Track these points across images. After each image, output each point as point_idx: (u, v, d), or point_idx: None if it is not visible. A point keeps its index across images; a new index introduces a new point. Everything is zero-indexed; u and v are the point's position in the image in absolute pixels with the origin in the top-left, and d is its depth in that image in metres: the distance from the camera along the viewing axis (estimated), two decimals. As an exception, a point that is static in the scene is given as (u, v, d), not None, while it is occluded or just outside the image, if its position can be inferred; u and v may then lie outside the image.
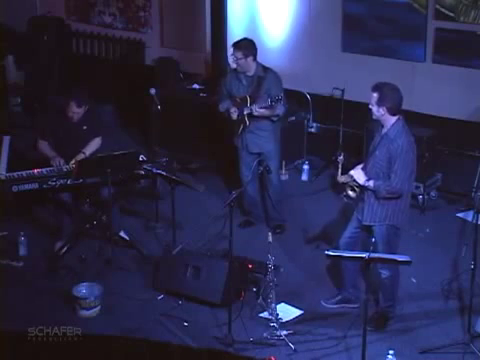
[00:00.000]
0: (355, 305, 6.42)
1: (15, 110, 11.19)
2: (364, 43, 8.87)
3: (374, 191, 5.95)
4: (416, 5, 8.40)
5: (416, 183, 7.76)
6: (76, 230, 7.33)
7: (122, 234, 7.42)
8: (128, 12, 10.87)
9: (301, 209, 8.30)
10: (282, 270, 6.71)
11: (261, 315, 6.35)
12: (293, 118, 9.20)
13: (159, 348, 5.97)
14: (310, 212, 8.24)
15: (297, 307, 6.47)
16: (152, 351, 5.94)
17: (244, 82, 7.50)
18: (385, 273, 6.12)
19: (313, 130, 9.51)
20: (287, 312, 6.39)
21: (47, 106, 10.06)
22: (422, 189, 8.15)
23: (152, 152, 8.04)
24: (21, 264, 7.16)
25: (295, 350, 5.92)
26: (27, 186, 6.99)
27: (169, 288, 6.64)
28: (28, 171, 7.10)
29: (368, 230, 6.15)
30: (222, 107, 7.63)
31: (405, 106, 6.01)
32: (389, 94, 5.85)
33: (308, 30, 9.24)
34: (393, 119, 5.90)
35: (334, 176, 6.65)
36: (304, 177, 9.11)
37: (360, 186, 6.02)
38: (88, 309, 6.36)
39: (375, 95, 5.87)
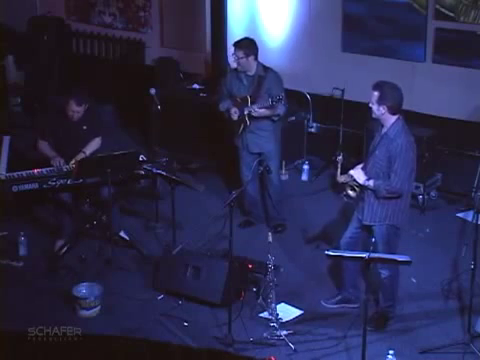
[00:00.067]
0: (355, 305, 6.42)
1: (15, 110, 11.19)
2: (364, 43, 8.87)
3: (374, 191, 5.95)
4: (416, 5, 8.40)
5: (416, 183, 7.76)
6: (76, 230, 7.33)
7: (122, 234, 7.42)
8: (128, 12, 10.87)
9: (301, 209, 8.30)
10: (282, 270, 6.70)
11: (261, 315, 6.35)
12: (293, 118, 9.20)
13: (159, 348, 5.97)
14: (310, 212, 8.24)
15: (297, 307, 6.47)
16: (152, 351, 5.94)
17: (245, 82, 7.50)
18: (385, 273, 6.12)
19: (313, 130, 9.51)
20: (287, 312, 6.39)
21: (47, 106, 10.06)
22: (422, 189, 8.15)
23: (152, 152, 8.04)
24: (21, 264, 7.16)
25: (295, 350, 5.92)
26: (27, 186, 6.99)
27: (169, 288, 6.64)
28: (28, 171, 7.10)
29: (368, 230, 6.15)
30: (222, 107, 7.62)
31: (405, 106, 6.01)
32: (390, 93, 5.85)
33: (308, 30, 9.24)
34: (393, 118, 5.90)
35: (334, 176, 6.64)
36: (304, 177, 9.11)
37: (360, 186, 6.02)
38: (88, 309, 6.36)
39: (376, 94, 5.86)
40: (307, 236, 7.66)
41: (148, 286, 6.79)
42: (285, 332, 6.08)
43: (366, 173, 6.00)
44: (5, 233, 7.57)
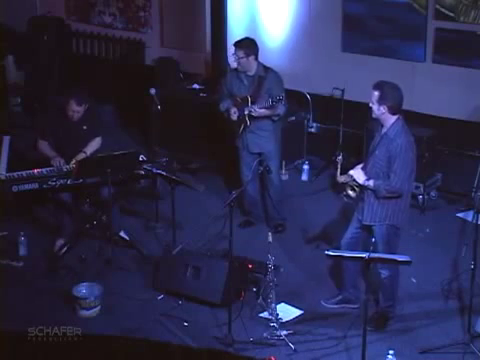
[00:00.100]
0: (355, 306, 6.42)
1: (15, 110, 11.19)
2: (364, 43, 8.87)
3: (374, 191, 5.95)
4: (416, 5, 8.40)
5: (416, 183, 7.76)
6: (76, 230, 7.33)
7: (122, 234, 7.42)
8: (128, 12, 10.87)
9: (301, 209, 8.30)
10: (282, 270, 6.70)
11: (261, 315, 6.35)
12: (293, 118, 9.20)
13: (159, 348, 5.97)
14: (310, 212, 8.24)
15: (297, 307, 6.47)
16: (152, 351, 5.94)
17: (245, 82, 7.50)
18: (385, 273, 6.12)
19: (313, 130, 9.51)
20: (287, 312, 6.39)
21: (47, 106, 10.06)
22: (422, 189, 8.15)
23: (152, 152, 8.04)
24: (21, 264, 7.16)
25: (295, 350, 5.92)
26: (27, 186, 7.00)
27: (169, 288, 6.64)
28: (28, 171, 7.10)
29: (369, 230, 6.15)
30: (222, 106, 7.63)
31: (405, 106, 6.01)
32: (390, 93, 5.85)
33: (308, 30, 9.24)
34: (393, 118, 5.89)
35: (334, 176, 6.63)
36: (304, 177, 9.11)
37: (360, 186, 6.02)
38: (88, 309, 6.36)
39: (376, 93, 5.86)
40: (307, 236, 7.66)
41: (148, 286, 6.79)
42: (285, 332, 6.08)
43: (366, 173, 6.00)
44: (5, 233, 7.57)
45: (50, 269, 7.00)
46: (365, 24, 8.80)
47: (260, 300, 6.45)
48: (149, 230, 7.82)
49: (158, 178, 7.65)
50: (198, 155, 9.22)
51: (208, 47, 9.82)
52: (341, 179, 6.10)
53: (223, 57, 9.47)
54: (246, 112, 7.39)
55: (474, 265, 5.90)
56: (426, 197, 8.22)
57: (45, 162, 7.25)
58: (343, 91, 8.93)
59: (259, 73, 7.45)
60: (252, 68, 7.45)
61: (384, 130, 5.94)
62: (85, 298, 6.35)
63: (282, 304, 6.43)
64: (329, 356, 5.89)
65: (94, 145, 7.42)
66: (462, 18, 8.17)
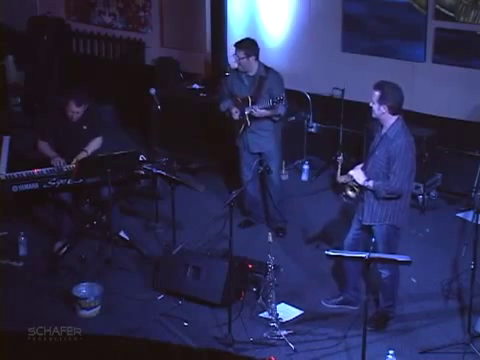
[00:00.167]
0: (355, 307, 6.41)
1: (15, 110, 11.19)
2: (364, 43, 8.87)
3: (374, 191, 5.95)
4: (416, 5, 8.40)
5: (416, 183, 7.76)
6: (76, 230, 7.33)
7: (122, 234, 7.42)
8: (128, 12, 10.87)
9: (301, 209, 8.30)
10: (282, 270, 6.70)
11: (261, 315, 6.35)
12: (293, 118, 9.20)
13: (159, 348, 5.97)
14: (310, 212, 8.24)
15: (297, 307, 6.47)
16: (152, 351, 5.94)
17: (246, 82, 7.50)
18: (385, 273, 6.12)
19: (313, 130, 9.51)
20: (287, 312, 6.38)
21: (47, 106, 10.06)
22: (422, 189, 8.15)
23: (152, 152, 8.04)
24: (21, 264, 7.16)
25: (295, 350, 5.92)
26: (27, 186, 7.00)
27: (169, 288, 6.64)
28: (28, 171, 7.10)
29: (369, 230, 6.14)
30: (223, 106, 7.62)
31: (405, 106, 6.00)
32: (391, 93, 5.85)
33: (308, 30, 9.24)
34: (393, 119, 5.89)
35: (334, 176, 6.63)
36: (304, 177, 9.12)
37: (360, 186, 6.02)
38: (88, 309, 6.36)
39: (377, 93, 5.86)
40: (307, 236, 7.66)
41: (148, 286, 6.79)
42: (285, 332, 6.08)
43: (366, 173, 6.00)
44: (5, 233, 7.57)
45: (50, 269, 7.00)
46: (365, 24, 8.80)
47: (260, 300, 6.45)
48: (149, 230, 7.82)
49: (158, 178, 7.65)
50: (198, 155, 9.22)
51: (208, 47, 9.83)
52: (341, 179, 6.10)
53: (223, 57, 9.47)
54: (247, 112, 7.39)
55: (474, 265, 5.90)
56: (426, 197, 8.22)
57: (45, 162, 7.25)
58: (343, 91, 8.93)
59: (260, 73, 7.44)
60: (253, 68, 7.45)
61: (384, 130, 5.94)
62: (85, 298, 6.35)
63: (282, 304, 6.43)
64: (329, 356, 5.89)
65: (95, 144, 7.41)
66: (462, 18, 8.17)
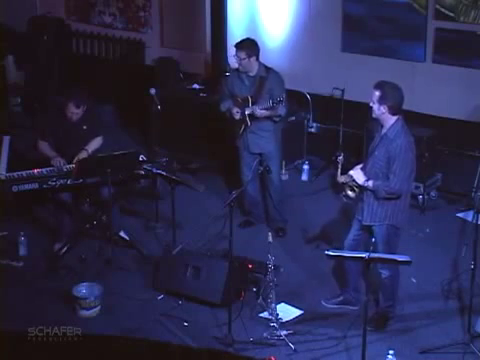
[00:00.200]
0: (355, 308, 6.40)
1: (15, 110, 11.19)
2: (364, 43, 8.87)
3: (373, 191, 5.95)
4: (416, 5, 8.40)
5: (416, 183, 7.77)
6: (76, 230, 7.33)
7: (122, 234, 7.42)
8: (128, 12, 10.87)
9: (301, 209, 8.29)
10: (282, 270, 6.70)
11: (261, 315, 6.35)
12: (293, 118, 9.20)
13: (159, 348, 5.97)
14: (310, 212, 8.23)
15: (297, 307, 6.47)
16: (152, 351, 5.94)
17: (246, 82, 7.49)
18: (385, 273, 6.12)
19: (313, 130, 9.51)
20: (287, 312, 6.38)
21: (47, 106, 10.06)
22: (422, 189, 8.15)
23: (152, 152, 8.04)
24: (21, 264, 7.16)
25: (295, 350, 5.92)
26: (27, 186, 7.00)
27: (169, 288, 6.64)
28: (28, 171, 7.10)
29: (369, 231, 6.14)
30: (223, 107, 7.62)
31: (405, 106, 6.00)
32: (391, 93, 5.85)
33: (308, 30, 9.24)
34: (393, 119, 5.89)
35: (334, 176, 6.64)
36: (304, 177, 9.11)
37: (359, 186, 6.02)
38: (88, 309, 6.36)
39: (377, 93, 5.86)
40: (307, 236, 7.66)
41: (148, 286, 6.79)
42: (285, 332, 6.08)
43: (365, 173, 6.00)
44: (5, 233, 7.57)
45: (50, 269, 7.00)
46: (365, 24, 8.80)
47: (260, 300, 6.45)
48: (149, 230, 7.82)
49: (158, 178, 7.65)
50: (198, 155, 9.22)
51: (208, 47, 9.83)
52: (341, 179, 6.09)
53: (223, 57, 9.47)
54: (247, 112, 7.39)
55: (474, 265, 5.90)
56: (426, 197, 8.22)
57: (45, 162, 7.25)
58: (343, 91, 8.93)
59: (260, 74, 7.44)
60: (253, 69, 7.44)
61: (384, 131, 5.94)
62: (85, 298, 6.35)
63: (282, 304, 6.43)
64: (329, 356, 5.89)
65: (95, 144, 7.41)
66: (462, 18, 8.17)
